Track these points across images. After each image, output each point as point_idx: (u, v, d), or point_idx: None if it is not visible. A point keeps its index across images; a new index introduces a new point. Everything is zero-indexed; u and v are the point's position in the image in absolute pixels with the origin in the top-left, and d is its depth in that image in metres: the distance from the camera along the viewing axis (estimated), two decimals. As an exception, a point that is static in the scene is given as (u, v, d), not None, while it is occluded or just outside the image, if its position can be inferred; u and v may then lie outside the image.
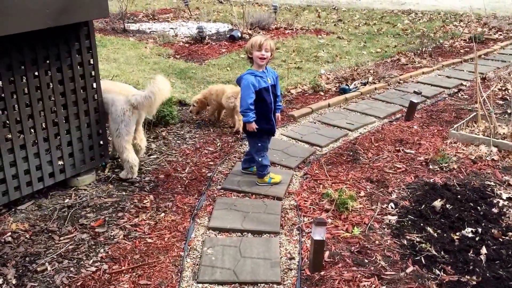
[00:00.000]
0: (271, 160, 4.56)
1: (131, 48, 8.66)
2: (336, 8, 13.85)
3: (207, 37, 9.24)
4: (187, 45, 9.00)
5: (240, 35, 9.35)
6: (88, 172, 4.30)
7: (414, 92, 5.95)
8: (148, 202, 4.00)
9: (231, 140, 5.11)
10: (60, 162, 4.07)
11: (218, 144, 5.01)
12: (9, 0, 3.20)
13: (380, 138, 5.27)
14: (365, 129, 5.54)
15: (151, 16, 11.71)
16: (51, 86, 3.83)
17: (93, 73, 4.08)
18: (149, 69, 7.44)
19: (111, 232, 3.62)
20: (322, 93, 6.71)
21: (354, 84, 6.83)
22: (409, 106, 5.82)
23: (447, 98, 6.67)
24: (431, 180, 4.40)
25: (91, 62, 4.05)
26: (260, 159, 4.18)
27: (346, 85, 6.77)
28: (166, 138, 5.09)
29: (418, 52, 8.91)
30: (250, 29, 9.95)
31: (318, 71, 7.59)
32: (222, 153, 4.82)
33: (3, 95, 3.55)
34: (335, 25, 11.41)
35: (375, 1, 15.21)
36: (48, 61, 3.76)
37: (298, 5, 14.12)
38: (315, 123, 5.65)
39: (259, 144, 4.17)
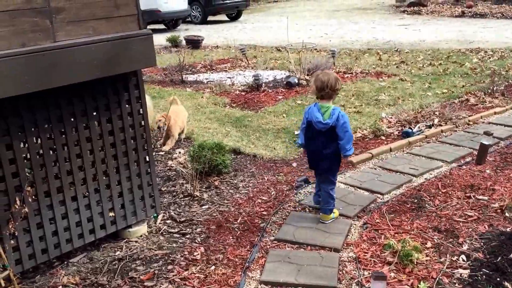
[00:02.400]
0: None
1: (188, 98, 8.78)
2: (398, 50, 13.55)
3: (263, 84, 9.24)
4: (243, 93, 9.03)
5: (297, 81, 9.28)
6: (140, 223, 4.21)
7: (485, 133, 5.53)
8: (198, 254, 3.83)
9: (285, 189, 4.90)
10: (111, 214, 4.01)
11: (272, 193, 4.81)
12: (57, 53, 3.25)
13: (448, 184, 4.87)
14: (431, 174, 5.15)
15: (209, 67, 11.94)
16: (101, 137, 3.84)
17: (142, 122, 4.07)
18: (205, 119, 7.46)
19: (160, 286, 3.48)
20: (383, 138, 6.40)
21: (418, 127, 6.48)
22: (480, 148, 5.39)
23: (522, 139, 6.16)
24: (508, 229, 3.96)
25: (141, 111, 4.04)
26: (333, 194, 4.20)
27: (409, 128, 6.43)
28: (219, 188, 4.96)
29: (489, 91, 8.41)
30: (307, 75, 9.86)
31: (378, 114, 7.30)
32: (276, 202, 4.61)
33: (54, 146, 3.58)
34: (397, 67, 11.12)
35: (441, 41, 14.76)
36: (97, 112, 3.78)
37: (358, 49, 13.95)
38: (375, 169, 5.34)
39: (336, 178, 4.32)
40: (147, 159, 4.16)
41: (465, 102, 7.98)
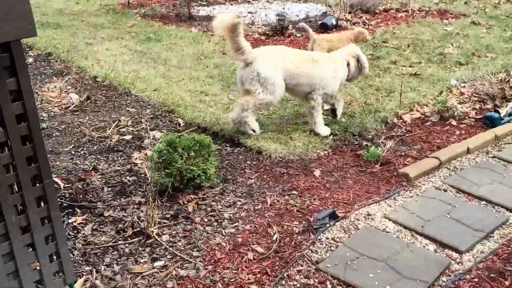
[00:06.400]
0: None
1: (191, 42, 6.78)
2: (464, -21, 10.90)
3: (290, 26, 7.07)
4: (263, 37, 6.91)
5: (334, 23, 7.07)
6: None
7: None
8: None
9: (297, 230, 2.99)
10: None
11: (274, 237, 2.93)
12: None
13: None
14: (539, 207, 3.16)
15: (230, -4, 9.76)
16: None
17: (28, 127, 2.19)
18: (205, 77, 5.51)
19: None
20: (454, 122, 4.35)
21: (507, 110, 4.36)
22: None
23: None
24: None
25: (28, 113, 2.16)
26: None
27: (495, 110, 4.33)
28: (191, 219, 3.11)
29: None
30: (350, 13, 7.62)
31: (446, 80, 5.16)
32: (278, 261, 2.74)
33: None
34: (465, 3, 8.67)
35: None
36: None
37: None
38: (446, 191, 3.35)
39: None
40: (45, 188, 2.32)
41: None
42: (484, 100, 4.70)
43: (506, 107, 4.42)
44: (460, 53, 6.04)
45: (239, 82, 4.03)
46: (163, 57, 6.20)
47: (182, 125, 4.42)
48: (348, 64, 4.19)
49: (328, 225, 2.96)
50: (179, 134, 4.02)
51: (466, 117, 4.44)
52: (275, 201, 3.27)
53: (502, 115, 4.24)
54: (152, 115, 4.62)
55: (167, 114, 4.62)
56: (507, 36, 6.66)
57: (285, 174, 3.59)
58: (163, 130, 4.31)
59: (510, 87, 4.78)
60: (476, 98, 4.76)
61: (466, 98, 4.80)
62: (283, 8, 8.46)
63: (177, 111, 4.60)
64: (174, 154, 3.29)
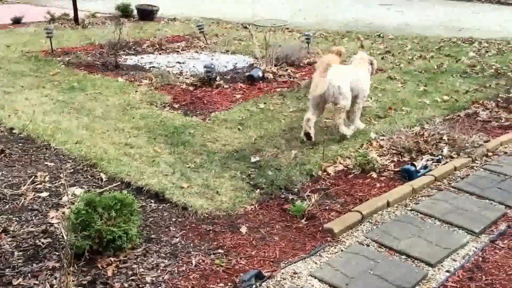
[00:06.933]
0: None
1: (116, 92, 6.66)
2: (381, 35, 11.65)
3: (217, 77, 7.14)
4: (191, 88, 6.92)
5: (261, 75, 7.25)
6: None
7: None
8: None
9: (223, 291, 2.93)
10: None
11: (198, 301, 2.84)
12: None
13: (486, 284, 3.02)
14: (454, 260, 3.27)
15: (158, 46, 9.75)
16: None
17: None
18: (131, 128, 5.40)
19: None
20: (374, 175, 4.50)
21: (423, 163, 4.60)
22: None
23: None
24: None
25: None
26: None
27: (411, 164, 4.53)
28: (110, 284, 2.94)
29: (501, 101, 6.61)
30: (276, 65, 7.85)
31: (366, 133, 5.38)
32: (202, 327, 2.66)
33: None
34: (382, 58, 9.20)
35: (427, 27, 12.96)
36: None
37: (336, 31, 11.99)
38: (368, 245, 3.42)
39: None
40: None
41: (473, 116, 6.15)
42: (401, 153, 4.93)
43: (421, 160, 4.66)
44: (378, 106, 6.36)
45: (319, 98, 5.06)
46: (87, 107, 6.03)
47: (104, 180, 4.26)
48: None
49: (254, 286, 2.91)
50: (101, 190, 3.88)
51: (386, 170, 4.62)
52: (200, 261, 3.19)
53: (418, 168, 4.46)
54: (72, 170, 4.43)
55: (89, 168, 4.45)
56: (420, 91, 7.10)
57: (211, 232, 3.53)
58: (84, 186, 4.13)
59: (424, 140, 5.05)
60: (394, 151, 4.98)
61: (385, 150, 5.02)
62: (212, 59, 8.60)
63: (99, 165, 4.45)
64: (93, 214, 3.14)
